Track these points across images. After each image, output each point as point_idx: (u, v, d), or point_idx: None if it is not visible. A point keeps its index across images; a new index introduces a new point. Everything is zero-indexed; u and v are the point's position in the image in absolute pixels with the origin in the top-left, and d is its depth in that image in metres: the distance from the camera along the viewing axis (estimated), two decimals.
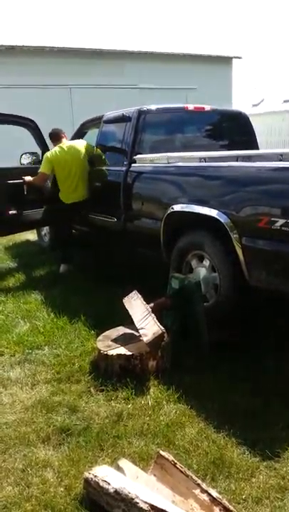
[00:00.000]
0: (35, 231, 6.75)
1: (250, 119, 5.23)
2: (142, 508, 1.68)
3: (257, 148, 5.17)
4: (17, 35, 12.72)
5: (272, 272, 2.96)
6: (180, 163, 3.87)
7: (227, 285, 3.21)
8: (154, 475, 1.94)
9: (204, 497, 1.78)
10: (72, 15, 14.27)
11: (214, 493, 1.80)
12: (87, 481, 1.92)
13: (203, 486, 1.83)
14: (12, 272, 5.34)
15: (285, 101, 23.69)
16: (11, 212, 5.06)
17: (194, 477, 1.88)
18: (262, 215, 2.89)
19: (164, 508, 1.69)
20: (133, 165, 4.31)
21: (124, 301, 3.27)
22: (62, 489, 1.99)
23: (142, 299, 3.16)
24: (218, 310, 3.26)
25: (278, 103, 23.89)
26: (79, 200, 5.04)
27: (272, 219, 2.79)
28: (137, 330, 2.94)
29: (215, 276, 3.31)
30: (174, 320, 3.23)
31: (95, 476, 1.89)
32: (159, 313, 3.12)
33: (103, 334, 3.13)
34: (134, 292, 3.27)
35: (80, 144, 5.11)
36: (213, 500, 1.76)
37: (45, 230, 6.45)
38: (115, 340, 3.01)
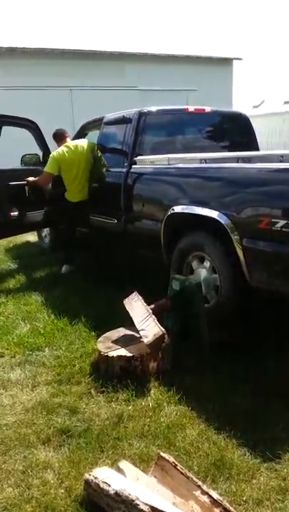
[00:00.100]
0: (35, 232, 6.76)
1: (251, 120, 5.24)
2: (142, 509, 1.68)
3: (257, 149, 5.17)
4: (18, 36, 12.76)
5: (272, 273, 2.96)
6: (180, 165, 3.87)
7: (228, 286, 3.21)
8: (155, 476, 1.94)
9: (205, 499, 1.78)
10: (72, 17, 14.31)
11: (215, 494, 1.80)
12: (87, 482, 1.91)
13: (204, 487, 1.83)
14: (12, 273, 5.34)
15: (285, 102, 23.71)
16: (12, 214, 5.06)
17: (195, 479, 1.87)
18: (262, 216, 2.89)
19: (164, 509, 1.69)
20: (134, 166, 4.31)
21: (124, 302, 3.27)
22: (62, 491, 1.99)
23: (142, 300, 3.16)
24: (219, 311, 3.26)
25: (279, 104, 23.91)
26: (83, 199, 5.05)
27: (273, 220, 2.79)
28: (137, 331, 2.94)
29: (215, 277, 3.31)
30: (174, 321, 3.23)
31: (96, 478, 1.88)
32: (159, 314, 3.12)
33: (104, 335, 3.12)
34: (134, 293, 3.27)
35: (85, 143, 5.11)
36: (214, 501, 1.76)
37: (46, 231, 6.45)
38: (116, 342, 3.00)
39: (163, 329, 2.84)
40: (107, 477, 1.87)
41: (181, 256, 3.60)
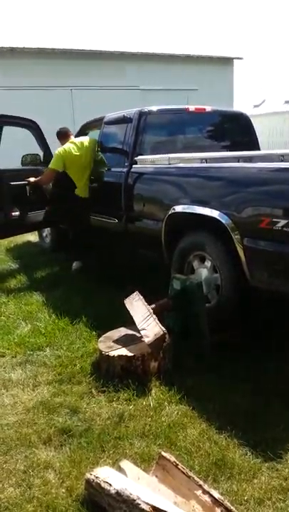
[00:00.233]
0: (36, 232, 6.77)
1: (252, 119, 5.24)
2: (143, 509, 1.68)
3: (258, 149, 5.17)
4: (18, 36, 12.76)
5: (273, 272, 2.96)
6: (181, 164, 3.87)
7: (228, 286, 3.21)
8: (156, 476, 1.94)
9: (206, 498, 1.78)
10: (73, 16, 14.31)
11: (216, 494, 1.80)
12: (88, 482, 1.92)
13: (205, 487, 1.83)
14: (13, 273, 5.35)
15: (286, 102, 23.73)
16: (14, 214, 5.06)
17: (196, 478, 1.87)
18: (263, 215, 2.89)
19: (165, 509, 1.69)
20: (134, 166, 4.31)
21: (125, 302, 3.27)
22: (63, 490, 1.99)
23: (143, 300, 3.16)
24: (220, 311, 3.26)
25: (280, 104, 23.93)
26: (87, 196, 5.06)
27: (274, 220, 2.79)
28: (138, 331, 2.94)
29: (216, 277, 3.31)
30: (175, 321, 3.23)
31: (97, 477, 1.88)
32: (160, 314, 3.12)
33: (104, 335, 3.12)
34: (135, 293, 3.27)
35: (88, 140, 5.12)
36: (215, 501, 1.76)
37: (47, 231, 6.46)
38: (117, 342, 3.00)
39: (164, 329, 2.84)
40: (108, 477, 1.87)
41: (182, 255, 3.60)
